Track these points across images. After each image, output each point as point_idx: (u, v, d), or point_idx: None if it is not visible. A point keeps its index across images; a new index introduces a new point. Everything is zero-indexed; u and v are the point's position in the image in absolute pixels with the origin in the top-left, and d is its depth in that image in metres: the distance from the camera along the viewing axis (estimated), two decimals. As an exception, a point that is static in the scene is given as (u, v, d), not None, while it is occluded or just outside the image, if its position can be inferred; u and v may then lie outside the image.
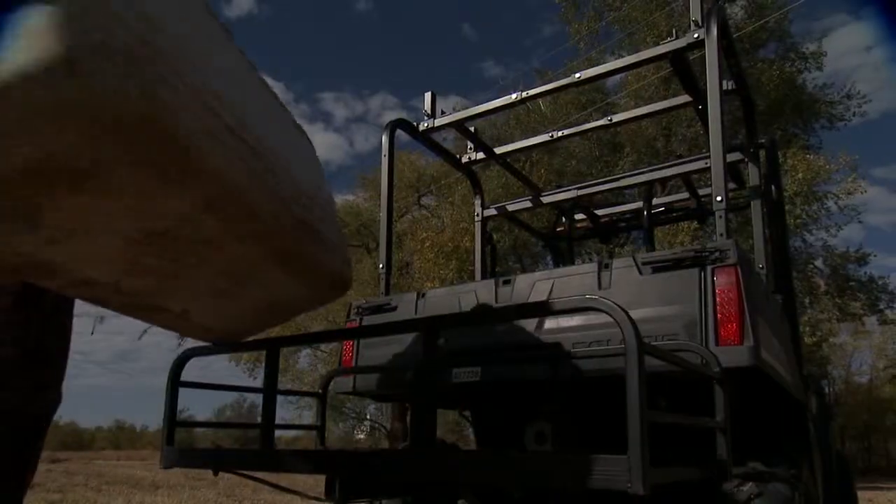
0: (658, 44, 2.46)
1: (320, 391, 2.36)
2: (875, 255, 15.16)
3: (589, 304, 1.15)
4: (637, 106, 11.80)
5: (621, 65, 2.62)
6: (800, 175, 12.21)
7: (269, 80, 1.46)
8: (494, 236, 5.25)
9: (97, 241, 1.07)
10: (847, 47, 28.02)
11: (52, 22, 0.78)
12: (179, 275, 1.20)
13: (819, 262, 14.99)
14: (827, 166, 13.05)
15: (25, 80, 0.77)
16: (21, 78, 0.77)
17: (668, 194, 4.32)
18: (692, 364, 1.48)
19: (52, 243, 1.03)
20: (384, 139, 2.87)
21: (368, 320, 2.42)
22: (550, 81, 2.86)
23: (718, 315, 1.81)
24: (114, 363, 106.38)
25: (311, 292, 1.40)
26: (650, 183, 3.36)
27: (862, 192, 13.75)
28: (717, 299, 1.82)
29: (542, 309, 1.23)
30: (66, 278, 1.13)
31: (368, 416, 26.90)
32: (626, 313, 1.09)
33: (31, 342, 1.31)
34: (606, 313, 1.11)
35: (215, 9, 1.22)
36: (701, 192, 3.59)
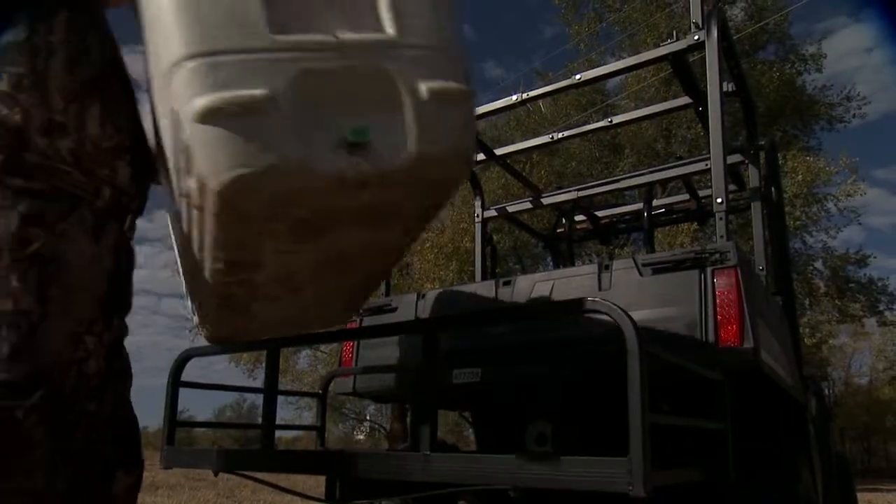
0: (658, 45, 2.46)
1: (320, 392, 2.36)
2: (875, 257, 15.19)
3: (590, 306, 1.15)
4: (637, 107, 11.83)
5: (621, 66, 2.63)
6: (799, 177, 12.22)
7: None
8: (495, 237, 5.26)
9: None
10: (847, 49, 28.10)
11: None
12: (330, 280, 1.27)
13: (819, 264, 15.00)
14: (827, 168, 13.06)
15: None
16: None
17: (669, 195, 4.32)
18: (693, 366, 1.48)
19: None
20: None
21: (369, 321, 2.42)
22: (551, 82, 2.87)
23: (718, 317, 1.81)
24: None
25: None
26: (650, 184, 3.36)
27: (862, 194, 13.78)
28: (717, 301, 1.82)
29: (543, 310, 1.23)
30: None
31: (368, 417, 26.93)
32: (628, 315, 1.09)
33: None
34: (608, 315, 1.11)
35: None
36: (701, 193, 3.60)
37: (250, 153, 0.94)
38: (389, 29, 1.07)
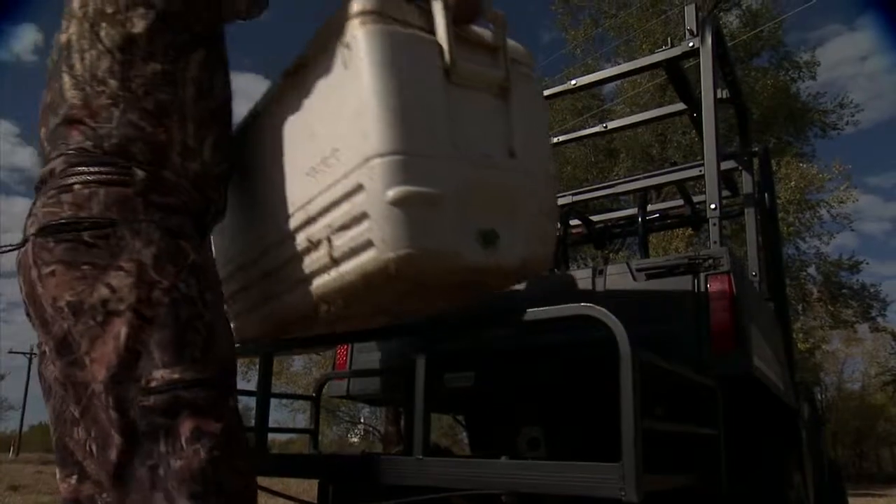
0: (654, 51, 2.48)
1: (314, 395, 2.36)
2: (867, 263, 15.28)
3: (584, 312, 1.16)
4: (633, 112, 11.88)
5: (617, 72, 2.65)
6: (792, 183, 12.29)
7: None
8: (489, 241, 5.25)
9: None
10: (841, 57, 28.29)
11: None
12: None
13: (812, 270, 15.08)
14: (820, 175, 13.14)
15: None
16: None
17: (663, 201, 4.33)
18: (686, 371, 1.48)
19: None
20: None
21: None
22: (547, 87, 2.88)
23: (711, 322, 1.81)
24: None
25: None
26: (645, 189, 3.37)
27: (854, 201, 13.87)
28: (711, 306, 1.83)
29: (536, 316, 1.24)
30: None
31: (362, 420, 26.86)
32: (621, 321, 1.09)
33: None
34: (601, 321, 1.11)
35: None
36: (695, 199, 3.61)
37: (423, 237, 1.17)
38: (519, 155, 1.36)
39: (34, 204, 1.25)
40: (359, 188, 1.18)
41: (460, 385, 1.98)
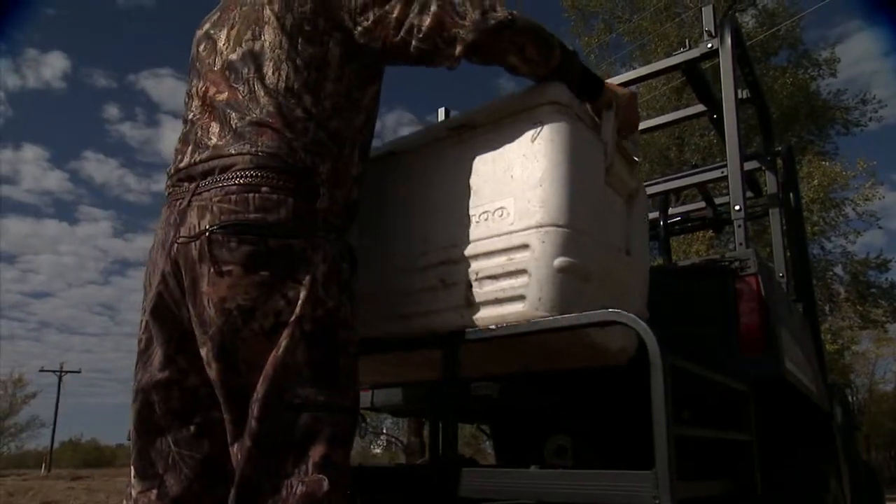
0: (669, 54, 2.46)
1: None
2: (896, 261, 14.95)
3: (613, 318, 1.14)
4: (649, 116, 11.77)
5: (635, 76, 2.62)
6: (815, 182, 12.12)
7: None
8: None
9: None
10: (863, 53, 27.77)
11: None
12: None
13: (839, 269, 14.81)
14: (844, 172, 12.93)
15: None
16: None
17: (683, 203, 4.29)
18: (717, 377, 1.46)
19: None
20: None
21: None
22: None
23: (740, 326, 1.79)
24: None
25: None
26: (665, 193, 3.34)
27: (880, 198, 13.62)
28: (739, 309, 1.80)
29: (566, 322, 1.22)
30: None
31: (385, 431, 26.84)
32: (651, 326, 1.08)
33: None
34: (631, 327, 1.10)
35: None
36: (717, 200, 3.57)
37: (571, 305, 1.27)
38: (633, 253, 1.56)
39: (195, 191, 1.21)
40: (524, 247, 1.29)
41: (486, 394, 1.97)
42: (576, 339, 1.32)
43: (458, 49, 1.28)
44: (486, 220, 1.36)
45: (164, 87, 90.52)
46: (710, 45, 2.18)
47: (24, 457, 47.64)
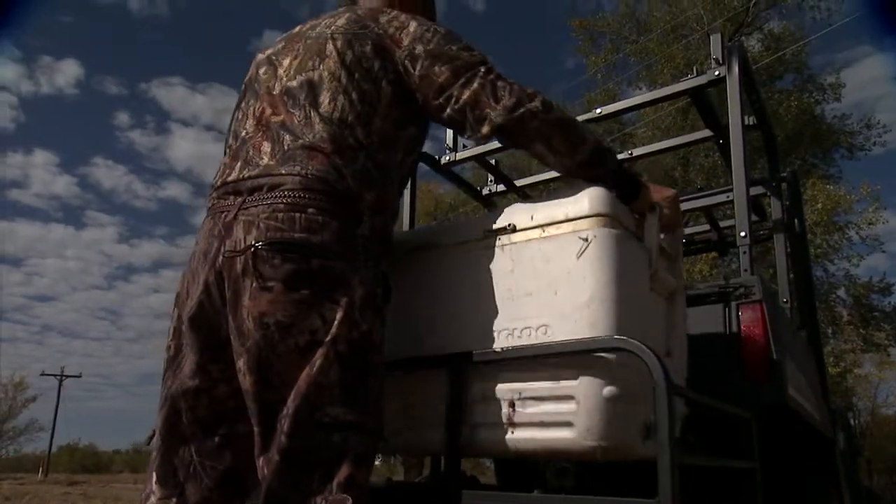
0: (675, 76, 2.48)
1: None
2: (900, 286, 14.90)
3: (617, 345, 1.15)
4: (654, 136, 11.83)
5: (641, 101, 2.64)
6: (819, 205, 12.13)
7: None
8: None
9: None
10: (870, 78, 27.89)
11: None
12: None
13: (841, 292, 14.77)
14: (847, 196, 12.94)
15: None
16: None
17: (687, 225, 4.30)
18: (721, 404, 1.46)
19: None
20: (407, 173, 2.90)
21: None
22: (570, 113, 2.88)
23: (744, 352, 1.79)
24: (135, 386, 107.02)
25: None
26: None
27: (884, 223, 13.61)
28: (743, 336, 1.81)
29: (569, 348, 1.23)
30: None
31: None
32: (655, 353, 1.09)
33: None
34: (635, 354, 1.11)
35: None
36: (722, 223, 3.58)
37: (621, 432, 1.22)
38: (673, 354, 1.48)
39: (242, 206, 1.25)
40: (571, 374, 1.23)
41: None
42: (624, 454, 1.26)
43: (486, 129, 1.35)
44: (527, 335, 1.31)
45: (174, 95, 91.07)
46: (717, 73, 2.20)
47: (21, 460, 47.57)
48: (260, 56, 1.53)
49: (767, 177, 3.05)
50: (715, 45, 2.24)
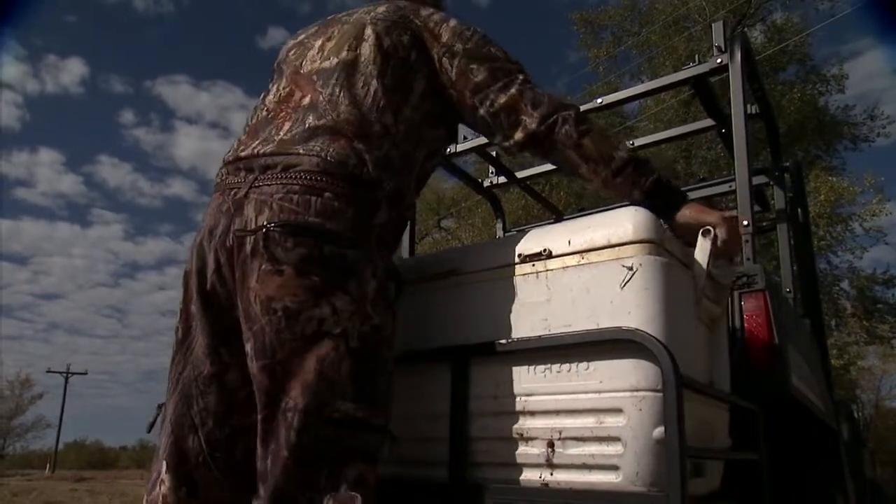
0: (677, 68, 2.46)
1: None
2: (904, 277, 14.87)
3: (626, 336, 1.12)
4: (656, 129, 11.80)
5: (644, 90, 2.62)
6: (822, 197, 12.10)
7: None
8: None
9: None
10: (876, 70, 27.78)
11: None
12: None
13: (845, 284, 14.75)
14: (851, 188, 12.89)
15: None
16: None
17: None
18: (728, 396, 1.45)
19: None
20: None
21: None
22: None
23: (747, 342, 1.78)
24: (140, 383, 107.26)
25: None
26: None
27: (887, 214, 13.56)
28: (746, 325, 1.80)
29: (576, 340, 1.21)
30: None
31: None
32: (664, 345, 1.07)
33: None
34: (645, 346, 1.09)
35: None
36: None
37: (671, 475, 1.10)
38: (716, 383, 1.43)
39: (254, 183, 1.20)
40: (616, 411, 1.14)
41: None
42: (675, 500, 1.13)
43: (519, 135, 1.33)
44: (567, 371, 1.21)
45: (179, 93, 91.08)
46: (719, 61, 2.18)
47: (28, 457, 47.89)
48: (290, 41, 1.50)
49: (770, 166, 3.04)
50: (717, 33, 2.23)
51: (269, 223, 1.13)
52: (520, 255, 1.33)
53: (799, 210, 3.11)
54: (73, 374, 43.01)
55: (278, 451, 1.09)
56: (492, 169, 3.44)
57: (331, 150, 1.20)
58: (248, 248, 1.15)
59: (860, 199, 13.40)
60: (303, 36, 1.48)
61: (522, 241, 1.36)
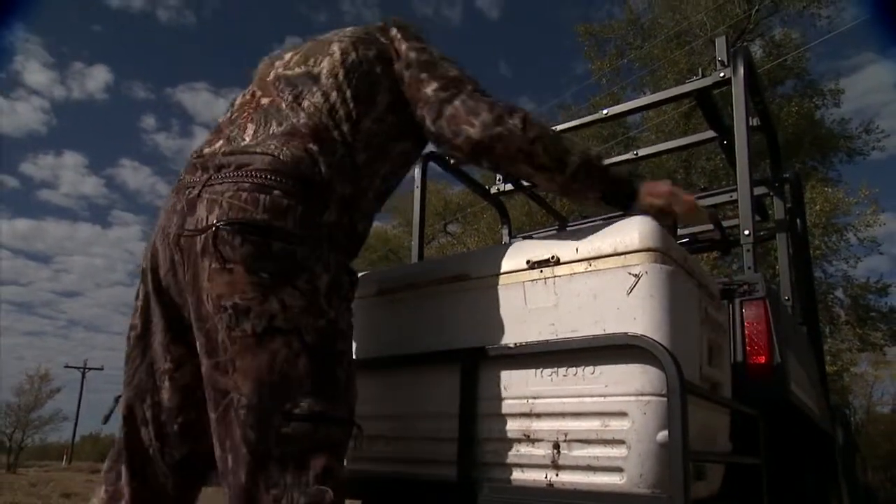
0: (679, 81, 2.51)
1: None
2: (896, 286, 14.93)
3: (632, 342, 1.14)
4: (658, 140, 11.86)
5: (647, 102, 2.68)
6: (818, 207, 12.15)
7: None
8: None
9: None
10: (874, 85, 27.95)
11: None
12: None
13: (839, 293, 14.81)
14: (846, 199, 12.96)
15: None
16: None
17: (688, 225, 4.31)
18: (730, 401, 1.49)
19: None
20: (417, 172, 2.94)
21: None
22: (573, 115, 2.92)
23: (747, 348, 1.82)
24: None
25: None
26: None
27: (881, 225, 13.64)
28: (746, 332, 1.83)
29: (580, 345, 1.24)
30: None
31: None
32: (668, 351, 1.09)
33: None
34: (650, 352, 1.12)
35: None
36: (724, 223, 3.60)
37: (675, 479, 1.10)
38: (720, 391, 1.50)
39: (207, 183, 1.20)
40: (621, 415, 1.16)
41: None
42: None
43: (463, 145, 1.33)
44: (573, 375, 1.24)
45: (199, 99, 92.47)
46: (722, 75, 2.23)
47: (46, 449, 47.93)
48: (265, 59, 1.54)
49: (770, 177, 3.08)
50: (720, 47, 2.27)
51: (219, 221, 1.13)
52: (528, 262, 1.36)
53: (798, 220, 3.16)
54: (90, 369, 43.21)
55: (236, 449, 1.08)
56: (498, 176, 3.48)
57: (284, 149, 1.21)
58: (199, 247, 1.15)
59: (855, 209, 13.47)
60: (278, 51, 1.52)
61: (531, 247, 1.38)
